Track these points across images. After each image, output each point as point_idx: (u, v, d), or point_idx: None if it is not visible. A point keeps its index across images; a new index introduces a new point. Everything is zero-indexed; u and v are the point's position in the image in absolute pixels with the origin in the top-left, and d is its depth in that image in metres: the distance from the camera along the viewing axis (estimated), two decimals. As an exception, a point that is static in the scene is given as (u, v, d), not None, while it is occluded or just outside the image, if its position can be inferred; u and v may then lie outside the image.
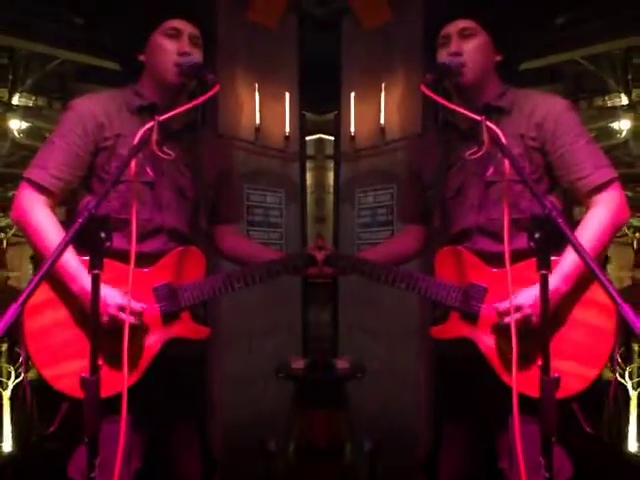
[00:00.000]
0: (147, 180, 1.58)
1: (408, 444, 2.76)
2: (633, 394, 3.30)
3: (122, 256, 1.42)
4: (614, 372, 1.54)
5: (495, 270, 1.54)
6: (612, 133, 3.71)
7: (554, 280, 1.44)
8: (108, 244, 1.15)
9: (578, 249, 1.05)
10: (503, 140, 1.34)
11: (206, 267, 1.62)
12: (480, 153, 1.48)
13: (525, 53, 1.83)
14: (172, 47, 1.59)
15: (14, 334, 1.16)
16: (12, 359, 3.28)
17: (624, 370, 3.27)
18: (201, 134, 1.74)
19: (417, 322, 2.70)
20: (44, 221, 1.52)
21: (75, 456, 1.52)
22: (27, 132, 3.79)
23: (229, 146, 2.45)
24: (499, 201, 1.53)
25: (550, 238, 1.12)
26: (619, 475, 1.75)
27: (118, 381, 1.28)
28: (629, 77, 3.55)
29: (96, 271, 1.15)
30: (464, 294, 1.56)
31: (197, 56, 1.61)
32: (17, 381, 3.26)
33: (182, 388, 1.64)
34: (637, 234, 3.73)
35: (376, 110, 2.99)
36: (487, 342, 1.54)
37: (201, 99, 1.50)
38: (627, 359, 3.30)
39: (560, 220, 1.09)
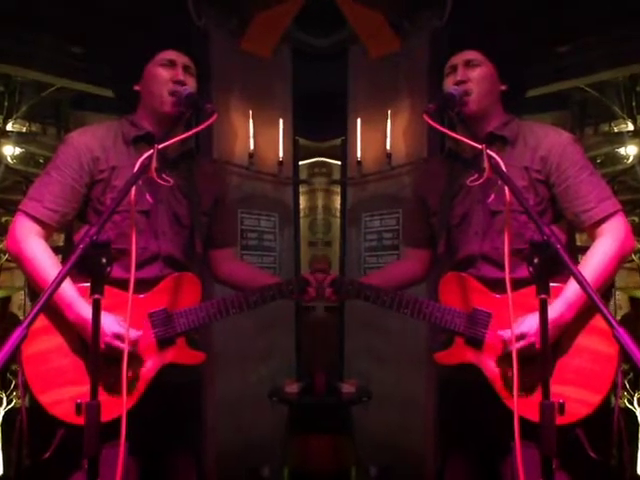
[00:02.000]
0: (143, 209, 1.62)
1: (415, 469, 2.77)
2: None
3: (119, 283, 1.46)
4: (617, 397, 1.57)
5: (499, 296, 1.57)
6: (619, 159, 3.74)
7: (558, 307, 1.48)
8: (109, 270, 1.19)
9: (576, 275, 1.08)
10: (503, 168, 1.37)
11: (202, 293, 1.65)
12: (480, 181, 1.51)
13: (530, 82, 1.89)
14: (166, 76, 1.64)
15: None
16: (3, 386, 3.28)
17: (633, 396, 3.30)
18: (197, 162, 1.79)
19: (425, 347, 2.72)
20: (39, 252, 1.56)
21: None
22: (20, 158, 3.82)
23: (224, 172, 2.49)
24: (503, 230, 1.57)
25: (549, 264, 1.15)
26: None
27: (114, 407, 1.31)
28: (633, 104, 3.65)
29: (97, 296, 1.18)
30: (468, 320, 1.59)
31: (191, 84, 1.67)
32: (9, 407, 3.25)
33: (178, 414, 1.66)
34: None
35: (382, 136, 3.06)
36: (491, 367, 1.56)
37: (199, 127, 1.54)
38: (636, 385, 3.31)
39: (559, 246, 1.12)
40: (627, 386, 3.31)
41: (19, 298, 3.70)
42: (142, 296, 1.59)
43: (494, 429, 1.48)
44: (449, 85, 1.65)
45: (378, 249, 3.12)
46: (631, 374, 3.30)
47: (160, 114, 1.66)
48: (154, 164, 1.44)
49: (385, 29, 2.95)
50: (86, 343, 1.51)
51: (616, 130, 3.75)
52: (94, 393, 1.16)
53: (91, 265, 1.17)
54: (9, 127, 3.71)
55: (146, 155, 1.42)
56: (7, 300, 3.51)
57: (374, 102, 3.15)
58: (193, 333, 1.67)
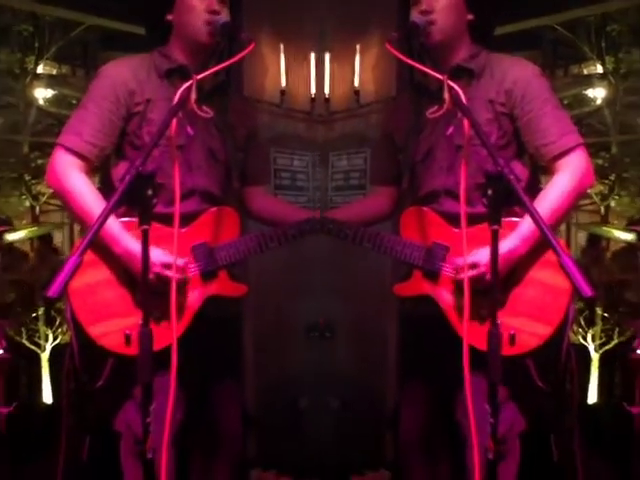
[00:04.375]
0: (180, 143, 1.61)
1: (376, 403, 2.80)
2: (595, 356, 3.45)
3: (159, 218, 1.46)
4: (567, 329, 1.58)
5: (457, 230, 1.57)
6: (587, 101, 3.79)
7: (512, 241, 1.50)
8: (155, 201, 1.20)
9: (527, 206, 1.09)
10: (464, 100, 1.37)
11: (241, 227, 1.66)
12: (440, 112, 1.48)
13: (500, 17, 1.85)
14: (201, 5, 1.59)
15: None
16: (49, 322, 3.41)
17: (586, 333, 3.46)
18: (229, 96, 1.76)
19: (389, 283, 2.70)
20: (82, 186, 1.55)
21: (122, 410, 1.59)
22: (52, 100, 3.82)
23: (255, 107, 2.46)
24: (467, 164, 1.55)
25: (503, 196, 1.15)
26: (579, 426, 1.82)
27: (161, 338, 1.33)
28: (603, 44, 3.63)
29: (145, 227, 1.19)
30: (427, 253, 1.60)
31: (225, 14, 1.62)
32: (55, 343, 3.40)
33: (220, 346, 1.70)
34: (605, 202, 3.78)
35: (351, 73, 2.94)
36: (446, 299, 1.59)
37: (236, 57, 1.52)
38: (591, 322, 3.46)
39: (512, 177, 1.12)
40: (582, 323, 3.47)
41: (58, 239, 3.79)
42: (183, 230, 1.59)
43: (450, 359, 1.49)
44: (414, 15, 1.60)
45: (345, 189, 3.07)
46: (586, 311, 3.47)
47: (195, 45, 1.62)
48: (193, 95, 1.42)
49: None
50: (132, 275, 1.53)
51: (586, 72, 3.79)
52: (146, 321, 1.19)
53: (137, 197, 1.17)
54: (39, 69, 3.70)
55: (185, 86, 1.41)
56: (49, 238, 3.59)
57: (343, 37, 3.01)
58: (232, 267, 1.68)
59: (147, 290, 1.22)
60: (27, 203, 3.57)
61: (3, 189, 3.53)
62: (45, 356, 3.38)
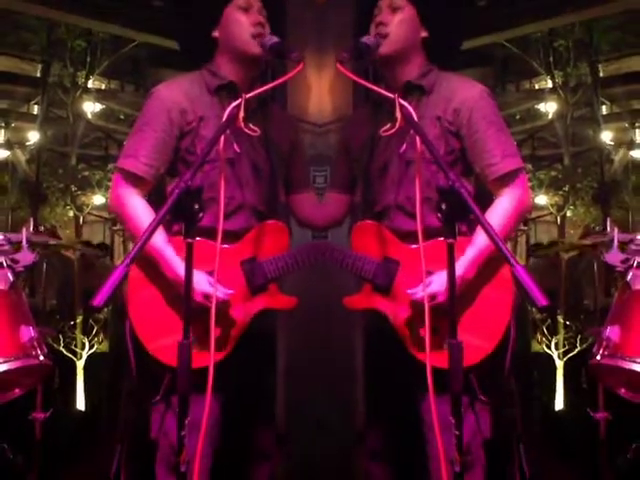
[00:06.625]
0: (230, 157, 1.62)
1: (347, 418, 2.76)
2: (559, 363, 3.53)
3: (209, 233, 1.48)
4: (510, 343, 1.60)
5: (408, 246, 1.59)
6: (539, 115, 3.92)
7: (460, 268, 1.49)
8: (201, 215, 1.21)
9: (479, 217, 1.13)
10: (414, 117, 1.42)
11: (289, 240, 1.66)
12: (393, 130, 1.51)
13: (459, 35, 1.88)
14: (247, 20, 1.63)
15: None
16: (86, 331, 3.48)
17: (550, 341, 3.55)
18: (271, 111, 1.78)
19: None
20: (140, 210, 1.58)
21: (163, 420, 1.59)
22: (99, 115, 3.93)
23: (296, 120, 2.48)
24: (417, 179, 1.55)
25: (456, 209, 1.18)
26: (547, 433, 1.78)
27: (207, 357, 1.35)
28: (551, 59, 3.66)
29: (189, 240, 1.20)
30: (377, 267, 1.60)
31: (267, 29, 1.65)
32: (91, 352, 3.46)
33: (263, 360, 1.71)
34: (561, 212, 3.94)
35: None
36: (396, 313, 1.59)
37: (287, 76, 1.54)
38: (553, 331, 3.56)
39: (462, 190, 1.15)
40: (545, 332, 3.58)
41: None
42: (233, 246, 1.60)
43: (406, 376, 1.54)
44: (373, 28, 1.65)
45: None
46: (548, 321, 3.59)
47: (244, 58, 1.64)
48: (242, 114, 1.44)
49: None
50: None
51: (537, 87, 3.85)
52: (186, 333, 1.20)
53: (184, 211, 1.19)
54: (89, 84, 3.82)
55: (234, 104, 1.43)
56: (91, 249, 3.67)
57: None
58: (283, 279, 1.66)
59: (190, 306, 1.22)
60: (71, 213, 3.67)
61: (49, 199, 3.64)
62: (80, 364, 3.44)
